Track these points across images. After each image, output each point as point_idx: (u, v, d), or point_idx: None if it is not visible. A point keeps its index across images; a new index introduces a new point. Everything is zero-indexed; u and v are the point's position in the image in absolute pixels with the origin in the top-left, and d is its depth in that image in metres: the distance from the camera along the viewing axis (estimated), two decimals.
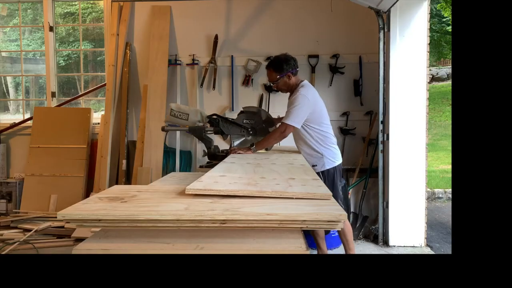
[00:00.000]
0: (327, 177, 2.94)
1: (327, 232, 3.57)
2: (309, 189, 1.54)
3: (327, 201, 1.43)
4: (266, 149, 3.21)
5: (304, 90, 2.89)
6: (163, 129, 3.02)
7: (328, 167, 2.94)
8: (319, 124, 2.93)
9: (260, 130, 3.13)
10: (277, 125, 3.10)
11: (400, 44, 3.74)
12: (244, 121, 3.09)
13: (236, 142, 3.08)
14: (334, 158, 2.97)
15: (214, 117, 3.03)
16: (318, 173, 2.91)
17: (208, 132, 2.99)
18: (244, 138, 3.11)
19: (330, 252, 3.72)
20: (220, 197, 1.47)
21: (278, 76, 2.96)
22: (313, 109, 2.89)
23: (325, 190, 1.53)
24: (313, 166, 2.95)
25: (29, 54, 5.43)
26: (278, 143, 3.44)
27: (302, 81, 3.00)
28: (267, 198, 1.45)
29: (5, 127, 4.78)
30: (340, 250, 3.79)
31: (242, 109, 3.21)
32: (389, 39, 3.76)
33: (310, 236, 3.36)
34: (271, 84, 3.14)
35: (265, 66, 4.43)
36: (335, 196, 2.92)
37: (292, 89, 3.00)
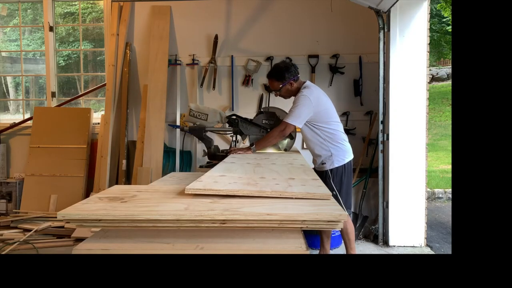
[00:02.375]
0: (336, 175, 2.92)
1: None
2: (308, 189, 1.54)
3: (327, 201, 1.43)
4: (285, 150, 3.20)
5: (306, 91, 2.89)
6: (182, 129, 3.02)
7: (336, 165, 2.92)
8: (327, 123, 2.92)
9: None
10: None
11: (400, 44, 3.74)
12: (263, 121, 3.09)
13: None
14: (344, 156, 2.95)
15: (234, 117, 3.04)
16: (326, 171, 2.91)
17: (227, 132, 2.99)
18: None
19: (330, 252, 3.72)
20: (220, 197, 1.47)
21: (280, 85, 2.97)
22: (318, 109, 2.87)
23: (325, 190, 1.53)
24: (322, 164, 2.95)
25: (29, 54, 5.43)
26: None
27: (305, 82, 2.99)
28: (267, 198, 1.45)
29: (5, 127, 4.78)
30: (340, 250, 3.79)
31: (261, 109, 3.20)
32: (389, 39, 3.75)
33: (317, 236, 3.35)
34: (274, 92, 3.14)
35: (265, 66, 4.47)
36: (343, 193, 2.90)
37: (295, 94, 3.00)
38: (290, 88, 2.98)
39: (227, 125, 3.16)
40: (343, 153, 2.95)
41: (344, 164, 2.94)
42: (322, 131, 2.92)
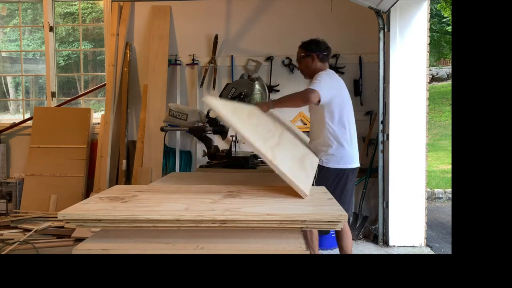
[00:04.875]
0: (324, 175, 2.62)
1: (326, 232, 3.55)
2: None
3: (327, 201, 1.43)
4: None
5: (326, 72, 2.72)
6: (162, 129, 3.02)
7: (331, 166, 2.66)
8: (340, 115, 2.69)
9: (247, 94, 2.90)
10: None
11: (400, 44, 3.74)
12: (230, 95, 2.88)
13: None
14: (342, 159, 2.68)
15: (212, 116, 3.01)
16: (318, 165, 2.64)
17: (208, 132, 2.98)
18: None
19: (330, 252, 3.73)
20: (220, 197, 1.47)
21: (302, 54, 2.83)
22: (335, 94, 2.66)
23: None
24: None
25: (29, 54, 5.43)
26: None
27: (328, 70, 2.82)
28: (267, 198, 1.45)
29: (5, 127, 4.78)
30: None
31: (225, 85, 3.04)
32: (389, 39, 3.75)
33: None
34: (296, 61, 2.96)
35: (265, 66, 4.47)
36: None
37: (312, 75, 2.78)
38: (311, 63, 2.79)
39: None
40: (340, 157, 2.68)
41: (340, 168, 2.68)
42: (333, 124, 2.68)
